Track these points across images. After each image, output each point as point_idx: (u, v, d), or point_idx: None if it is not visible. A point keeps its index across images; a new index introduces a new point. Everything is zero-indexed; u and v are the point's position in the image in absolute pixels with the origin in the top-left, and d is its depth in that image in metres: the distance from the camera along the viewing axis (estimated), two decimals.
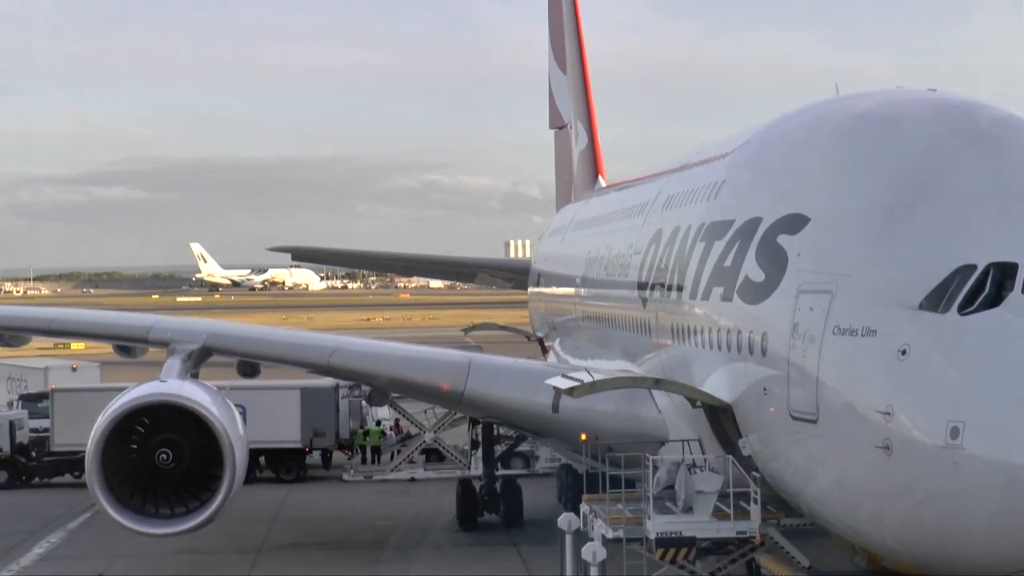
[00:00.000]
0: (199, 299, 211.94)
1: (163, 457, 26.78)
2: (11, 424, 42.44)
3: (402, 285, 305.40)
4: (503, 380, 29.48)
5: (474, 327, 54.44)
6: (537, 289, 47.15)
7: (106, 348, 35.50)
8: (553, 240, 47.06)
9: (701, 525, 20.53)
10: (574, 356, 37.65)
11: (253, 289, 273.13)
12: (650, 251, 27.90)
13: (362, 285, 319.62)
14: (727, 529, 20.47)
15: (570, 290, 39.15)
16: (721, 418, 21.73)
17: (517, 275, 53.16)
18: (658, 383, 23.34)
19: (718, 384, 21.69)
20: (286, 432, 42.75)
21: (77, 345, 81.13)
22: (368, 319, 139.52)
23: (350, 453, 45.51)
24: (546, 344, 45.18)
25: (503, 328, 53.37)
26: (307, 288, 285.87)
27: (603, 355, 33.19)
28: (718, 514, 20.67)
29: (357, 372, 31.40)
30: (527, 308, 50.94)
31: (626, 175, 42.01)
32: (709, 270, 22.69)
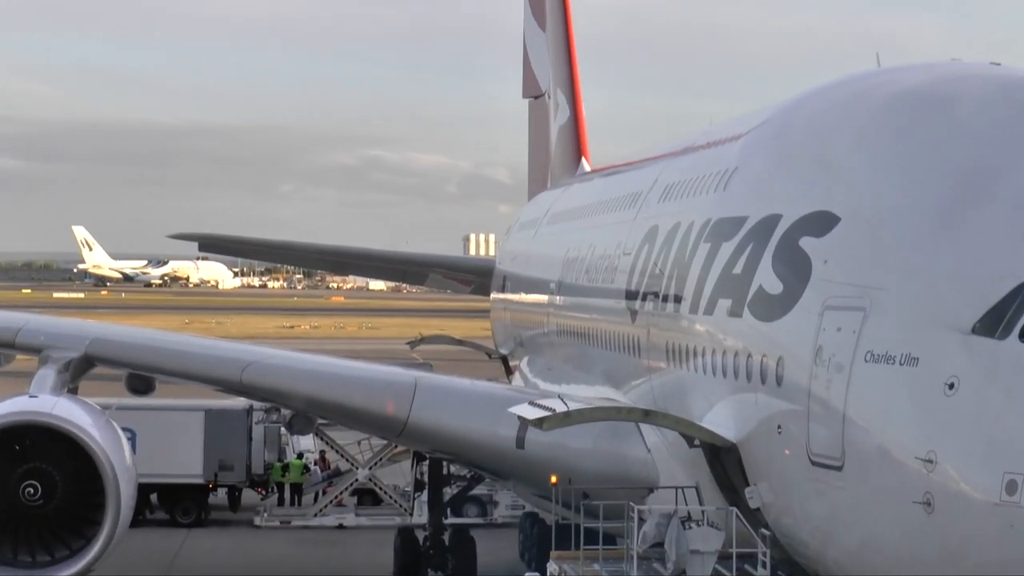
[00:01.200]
0: (82, 295, 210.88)
1: (30, 491, 26.50)
2: None
3: (335, 286, 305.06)
4: (456, 406, 29.42)
5: (422, 340, 54.33)
6: (502, 295, 47.11)
7: None
8: (524, 235, 47.03)
9: None
10: (545, 379, 37.60)
11: (150, 285, 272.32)
12: (642, 252, 27.90)
13: (285, 284, 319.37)
14: None
15: (543, 298, 39.13)
16: (724, 461, 21.72)
17: (478, 277, 53.10)
18: (648, 415, 23.33)
19: (722, 419, 21.69)
20: (185, 464, 42.58)
21: None
22: (292, 326, 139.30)
23: (264, 492, 45.33)
24: (511, 363, 45.11)
25: (458, 342, 53.29)
26: (217, 286, 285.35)
27: (581, 379, 33.17)
28: None
29: (276, 391, 31.27)
30: (488, 318, 50.88)
31: (616, 158, 42.06)
32: (715, 278, 22.70)
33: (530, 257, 43.88)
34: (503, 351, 46.84)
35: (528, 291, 42.55)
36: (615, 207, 33.58)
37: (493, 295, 49.24)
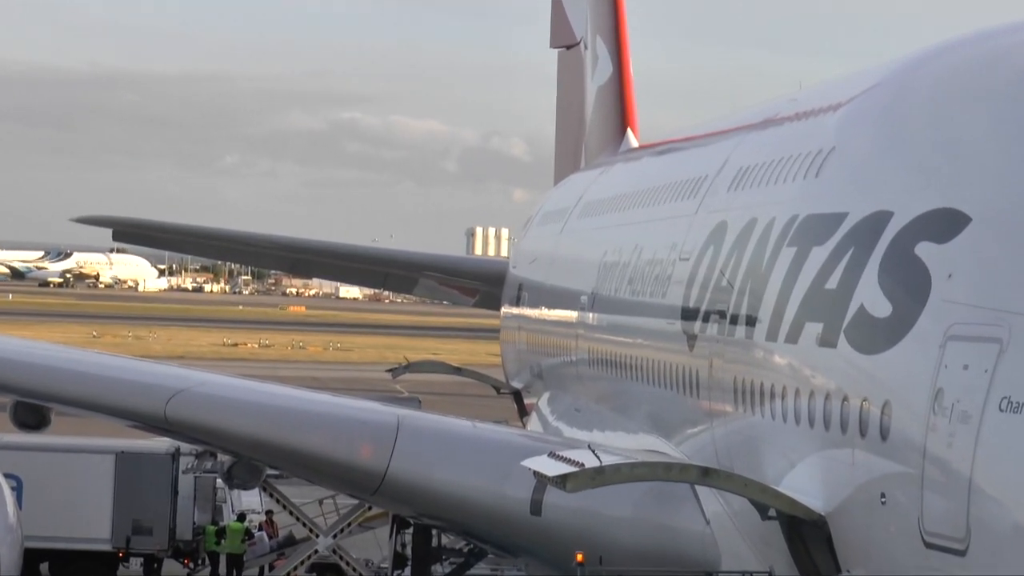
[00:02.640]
0: None
1: None
2: None
3: (293, 291, 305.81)
4: (451, 456, 29.50)
5: (409, 367, 54.42)
6: (516, 310, 47.14)
7: None
8: (547, 231, 47.08)
9: None
10: (571, 423, 37.61)
11: (47, 284, 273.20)
12: (705, 258, 27.94)
13: (228, 288, 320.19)
14: None
15: (571, 314, 39.16)
16: (808, 539, 21.74)
17: (485, 285, 53.17)
18: (707, 475, 23.33)
19: (806, 483, 21.72)
20: (88, 524, 42.59)
21: None
22: (235, 344, 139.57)
23: (192, 564, 45.36)
24: (526, 401, 45.12)
25: (456, 371, 53.37)
26: (136, 287, 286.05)
27: (619, 424, 33.19)
28: None
29: (211, 430, 31.35)
30: (497, 340, 50.90)
31: (672, 130, 42.10)
32: (801, 294, 22.73)
33: (555, 260, 43.89)
34: (516, 384, 46.84)
35: (551, 305, 42.55)
36: (670, 196, 33.61)
37: (504, 309, 49.24)
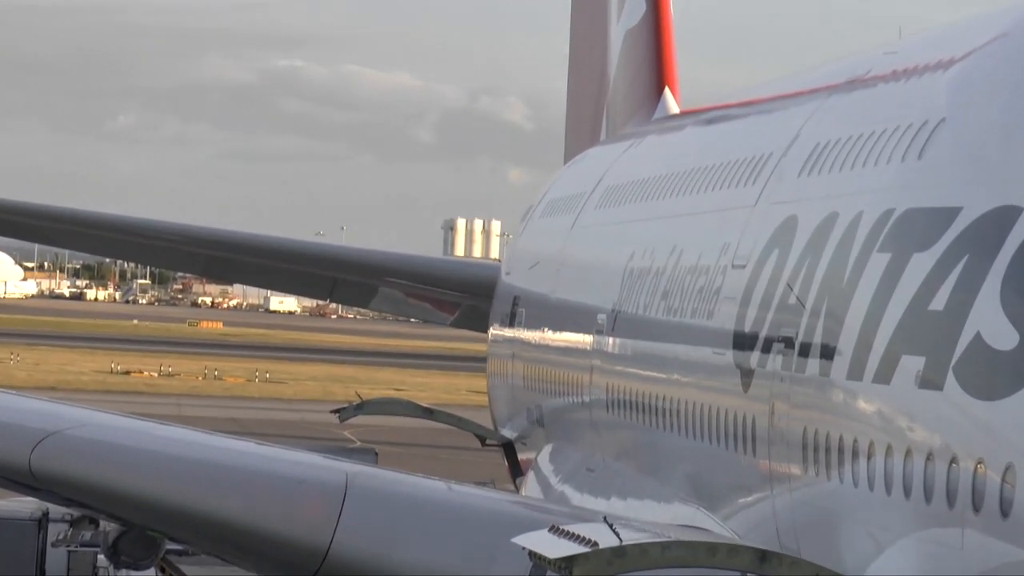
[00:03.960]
0: None
1: None
2: None
3: (208, 301, 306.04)
4: (416, 528, 29.55)
5: (362, 406, 54.41)
6: (510, 332, 47.22)
7: None
8: (554, 226, 47.19)
9: None
10: (580, 487, 37.72)
11: None
12: (767, 265, 28.03)
13: (118, 296, 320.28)
14: None
15: (584, 339, 39.26)
16: None
17: (468, 297, 53.26)
18: (765, 560, 23.39)
19: (899, 571, 21.82)
20: None
21: None
22: (127, 371, 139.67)
23: None
24: (521, 455, 45.20)
25: (427, 414, 53.38)
26: None
27: (646, 488, 33.34)
28: None
29: (92, 488, 31.39)
30: (484, 373, 50.92)
31: (724, 92, 42.17)
32: (896, 317, 22.78)
33: (564, 266, 43.96)
34: (507, 432, 46.91)
35: (558, 327, 42.62)
36: (721, 181, 33.71)
37: (494, 331, 49.30)
